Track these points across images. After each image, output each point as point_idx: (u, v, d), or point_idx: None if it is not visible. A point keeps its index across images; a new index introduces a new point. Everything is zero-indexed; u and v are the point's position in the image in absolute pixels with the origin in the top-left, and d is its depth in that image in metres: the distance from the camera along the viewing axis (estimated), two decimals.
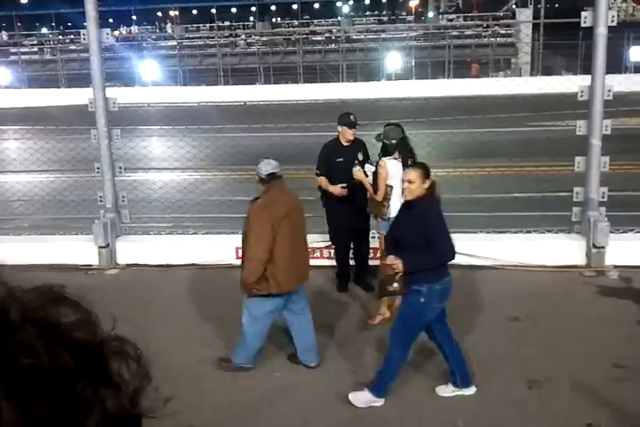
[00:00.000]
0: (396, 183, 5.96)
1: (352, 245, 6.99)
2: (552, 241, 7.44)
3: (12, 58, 33.23)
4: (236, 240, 7.70)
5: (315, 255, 7.49)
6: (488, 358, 5.36)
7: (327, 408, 4.78)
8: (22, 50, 34.52)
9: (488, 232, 7.72)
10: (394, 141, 5.97)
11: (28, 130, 16.07)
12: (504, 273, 7.09)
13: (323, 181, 6.69)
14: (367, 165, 6.31)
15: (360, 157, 6.58)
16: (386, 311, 6.08)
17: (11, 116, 20.71)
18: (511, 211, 8.12)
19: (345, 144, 6.69)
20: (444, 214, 4.69)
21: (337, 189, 6.55)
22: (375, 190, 5.98)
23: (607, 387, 4.89)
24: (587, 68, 7.70)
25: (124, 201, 7.87)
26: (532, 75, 27.08)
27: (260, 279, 4.90)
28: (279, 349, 5.58)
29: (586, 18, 6.92)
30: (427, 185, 4.57)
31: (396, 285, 4.56)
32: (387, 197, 5.93)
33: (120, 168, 7.79)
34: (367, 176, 6.21)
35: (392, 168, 5.92)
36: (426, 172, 4.61)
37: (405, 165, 6.02)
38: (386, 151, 6.02)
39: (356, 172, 6.17)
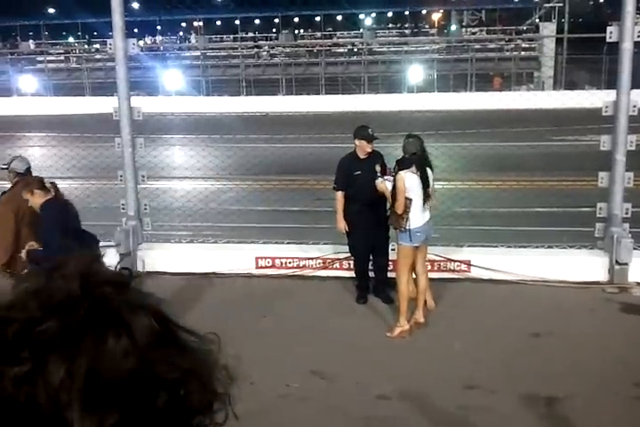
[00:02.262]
0: (416, 196, 5.95)
1: (371, 257, 6.98)
2: (574, 257, 7.37)
3: (39, 66, 33.77)
4: (257, 250, 7.77)
5: (334, 266, 7.51)
6: (508, 373, 5.31)
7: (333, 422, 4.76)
8: (49, 58, 35.15)
9: (509, 246, 7.66)
10: (412, 155, 5.97)
11: (54, 137, 16.29)
12: (525, 288, 7.02)
13: (339, 197, 6.73)
14: (388, 177, 6.32)
15: (378, 168, 6.59)
16: (405, 324, 6.05)
17: (36, 124, 20.99)
18: (533, 225, 8.06)
19: (362, 157, 6.71)
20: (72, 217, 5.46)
21: (340, 225, 6.72)
22: (394, 202, 5.99)
23: (627, 406, 4.82)
24: (610, 83, 7.66)
25: (146, 209, 7.93)
26: (554, 89, 26.95)
27: None
28: (299, 361, 5.58)
29: (611, 33, 6.89)
30: (36, 195, 5.28)
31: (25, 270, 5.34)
32: (406, 210, 5.93)
33: (143, 176, 7.86)
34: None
35: (410, 181, 5.92)
36: (34, 183, 5.37)
37: (423, 178, 6.02)
38: (403, 164, 6.01)
39: (379, 183, 6.20)
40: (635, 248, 7.05)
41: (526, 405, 4.88)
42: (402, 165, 6.02)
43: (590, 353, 5.61)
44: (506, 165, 11.45)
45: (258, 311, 6.53)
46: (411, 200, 5.93)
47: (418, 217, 6.00)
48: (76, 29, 43.49)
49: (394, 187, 6.01)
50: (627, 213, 7.14)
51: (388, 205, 6.33)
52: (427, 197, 6.05)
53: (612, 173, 7.08)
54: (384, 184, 6.19)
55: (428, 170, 6.08)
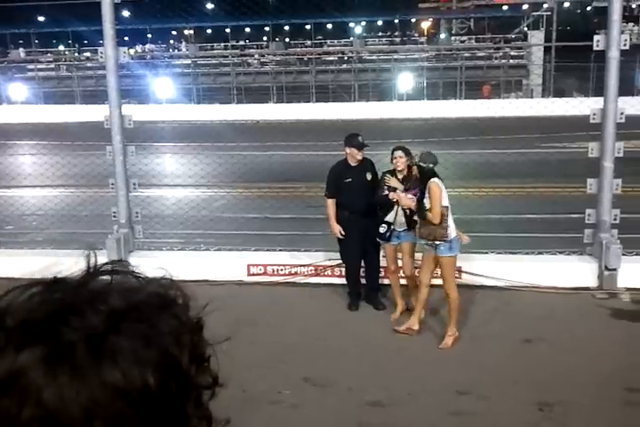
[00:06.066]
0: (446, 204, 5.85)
1: (363, 264, 7.00)
2: (564, 263, 7.41)
3: (29, 74, 33.76)
4: (248, 257, 7.78)
5: (326, 273, 7.53)
6: (499, 379, 5.34)
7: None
8: (39, 66, 35.12)
9: (499, 253, 7.70)
10: (431, 165, 5.86)
11: (44, 145, 16.24)
12: (515, 294, 7.06)
13: (330, 203, 6.76)
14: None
15: (368, 176, 6.63)
16: (415, 323, 6.07)
17: (27, 132, 20.95)
18: (523, 232, 8.11)
19: (353, 165, 6.75)
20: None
21: (335, 229, 6.71)
22: (423, 212, 5.77)
23: (619, 411, 4.84)
24: (598, 91, 7.73)
25: (137, 217, 7.93)
26: (543, 96, 27.16)
27: None
28: (291, 368, 5.58)
29: (598, 41, 6.96)
30: None
31: None
32: (444, 219, 5.75)
33: (134, 184, 7.86)
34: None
35: (443, 188, 5.82)
36: None
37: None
38: (429, 173, 5.85)
39: (406, 199, 6.05)
40: (623, 254, 7.10)
41: (519, 411, 4.90)
42: (429, 174, 5.84)
43: (581, 359, 5.64)
44: (495, 172, 11.51)
45: (250, 319, 6.53)
46: (448, 208, 5.80)
47: (453, 225, 5.84)
48: (66, 38, 43.46)
49: (419, 200, 5.82)
50: (615, 220, 7.20)
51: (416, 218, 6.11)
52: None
53: (601, 179, 7.14)
54: (407, 199, 6.02)
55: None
